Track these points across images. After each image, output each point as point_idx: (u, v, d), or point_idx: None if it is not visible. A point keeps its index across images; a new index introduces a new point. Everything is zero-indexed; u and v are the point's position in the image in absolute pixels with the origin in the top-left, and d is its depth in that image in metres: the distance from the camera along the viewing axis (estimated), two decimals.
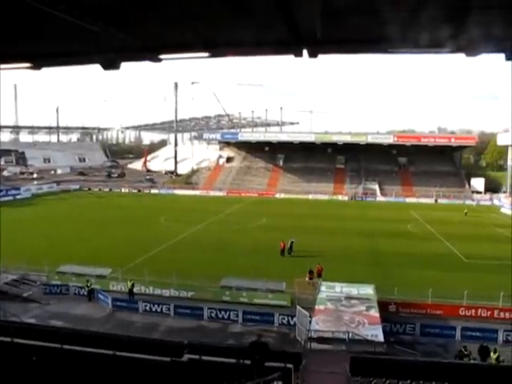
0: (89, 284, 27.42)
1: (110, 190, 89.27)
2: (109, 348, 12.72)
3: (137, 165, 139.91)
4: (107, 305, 26.34)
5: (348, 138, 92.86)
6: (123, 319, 24.86)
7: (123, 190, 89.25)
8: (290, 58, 6.88)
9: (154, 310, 25.68)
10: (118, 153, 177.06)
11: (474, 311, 24.55)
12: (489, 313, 24.45)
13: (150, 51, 7.13)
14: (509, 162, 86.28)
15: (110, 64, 7.28)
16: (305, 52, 6.56)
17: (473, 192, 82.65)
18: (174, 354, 12.92)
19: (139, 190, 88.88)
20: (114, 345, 13.05)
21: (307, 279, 28.86)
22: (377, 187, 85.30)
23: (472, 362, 18.20)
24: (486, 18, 4.75)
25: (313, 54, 6.58)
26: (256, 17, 5.84)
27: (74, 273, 29.53)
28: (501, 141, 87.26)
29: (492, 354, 18.54)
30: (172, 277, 27.63)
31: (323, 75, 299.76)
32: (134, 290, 27.42)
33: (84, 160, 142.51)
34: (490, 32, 5.09)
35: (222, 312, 24.88)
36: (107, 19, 5.97)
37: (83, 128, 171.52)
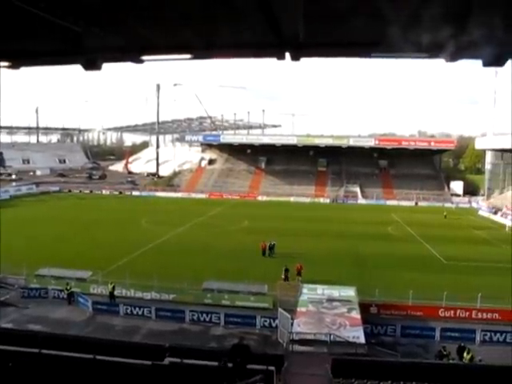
0: (68, 287, 27.05)
1: (91, 191, 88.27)
2: (88, 352, 12.53)
3: (118, 166, 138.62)
4: (87, 308, 26.03)
5: (330, 141, 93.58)
6: (104, 322, 24.60)
7: (104, 192, 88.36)
8: (273, 60, 6.90)
9: (135, 313, 25.47)
10: (99, 154, 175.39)
11: (452, 312, 24.94)
12: (467, 313, 24.85)
13: (131, 52, 7.08)
14: (486, 166, 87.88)
15: (91, 65, 7.19)
16: (287, 55, 6.58)
17: (452, 195, 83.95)
18: (154, 357, 12.79)
19: (120, 192, 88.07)
20: (94, 348, 12.88)
21: (282, 277, 29.39)
22: (358, 190, 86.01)
23: (451, 361, 18.47)
24: (464, 25, 4.82)
25: (295, 58, 6.59)
26: (239, 20, 5.84)
27: (53, 276, 29.10)
28: (479, 145, 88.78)
29: (465, 354, 18.87)
30: (153, 279, 27.46)
31: (306, 78, 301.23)
32: (115, 292, 27.16)
33: (64, 161, 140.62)
34: (469, 39, 5.17)
35: (204, 315, 24.80)
36: (89, 19, 5.91)
37: (63, 129, 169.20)
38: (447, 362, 18.46)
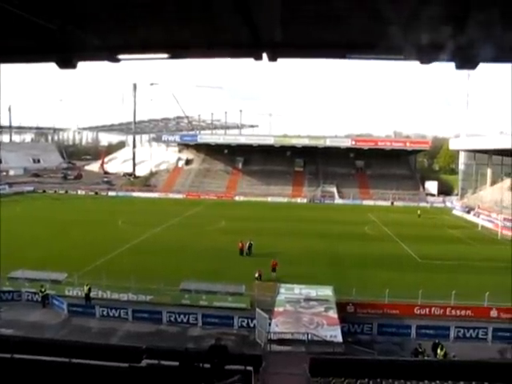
0: (43, 289, 26.55)
1: (66, 192, 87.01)
2: (63, 355, 12.34)
3: (94, 166, 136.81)
4: (62, 310, 25.61)
5: (306, 142, 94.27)
6: (79, 325, 24.18)
7: (80, 193, 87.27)
8: (251, 61, 6.91)
9: (111, 314, 25.16)
10: (75, 154, 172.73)
11: (428, 310, 25.33)
12: (442, 311, 25.28)
13: (108, 51, 7.00)
14: (460, 166, 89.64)
15: (67, 63, 7.08)
16: (264, 55, 6.59)
17: (427, 194, 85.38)
18: (131, 359, 12.68)
19: (96, 193, 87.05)
20: (69, 352, 12.69)
21: (256, 275, 29.80)
22: (335, 190, 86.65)
23: (426, 358, 18.78)
24: (439, 29, 4.92)
25: (272, 58, 6.62)
26: (217, 20, 5.84)
27: (26, 278, 28.49)
28: (453, 145, 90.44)
29: (439, 350, 19.25)
30: (130, 281, 27.16)
31: (283, 79, 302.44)
32: (91, 294, 26.77)
33: (39, 161, 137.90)
34: (442, 42, 5.27)
35: (182, 316, 24.65)
36: (65, 17, 5.83)
37: (38, 128, 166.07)
38: (423, 358, 18.76)
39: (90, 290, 26.70)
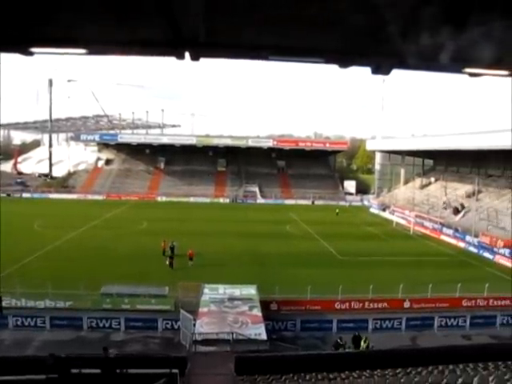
0: None
1: None
2: None
3: (6, 166, 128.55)
4: None
5: (229, 142, 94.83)
6: None
7: None
8: (172, 59, 6.83)
9: (26, 324, 23.74)
10: None
11: (347, 304, 26.35)
12: (360, 305, 26.43)
13: (20, 43, 6.62)
14: (376, 166, 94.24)
15: None
16: (187, 55, 6.54)
17: (346, 193, 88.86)
18: (49, 370, 12.10)
19: (9, 195, 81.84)
20: None
21: (167, 263, 33.27)
22: (257, 190, 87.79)
23: (346, 350, 19.58)
24: (356, 35, 5.13)
25: (195, 57, 6.56)
26: (136, 16, 5.72)
27: None
28: (369, 146, 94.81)
29: (362, 343, 20.15)
30: (47, 287, 25.82)
31: (205, 78, 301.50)
32: (3, 303, 25.10)
33: None
34: (360, 48, 5.50)
35: (103, 321, 23.80)
36: None
37: None
38: (343, 351, 19.50)
39: (1, 298, 25.03)
